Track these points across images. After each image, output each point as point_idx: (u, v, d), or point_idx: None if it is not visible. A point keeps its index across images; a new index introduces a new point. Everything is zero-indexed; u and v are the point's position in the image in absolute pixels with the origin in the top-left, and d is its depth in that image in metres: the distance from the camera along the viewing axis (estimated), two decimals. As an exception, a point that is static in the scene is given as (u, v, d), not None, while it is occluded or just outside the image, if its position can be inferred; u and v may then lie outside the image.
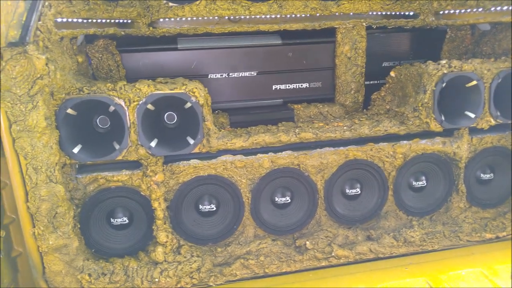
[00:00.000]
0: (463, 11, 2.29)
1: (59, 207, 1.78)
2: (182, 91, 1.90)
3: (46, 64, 1.63)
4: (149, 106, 1.88)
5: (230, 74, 2.37)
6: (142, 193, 2.00)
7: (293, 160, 2.09)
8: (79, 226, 1.90)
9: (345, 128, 2.12)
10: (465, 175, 2.26)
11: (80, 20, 1.84)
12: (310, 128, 2.10)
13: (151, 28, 2.14)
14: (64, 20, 1.75)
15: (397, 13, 2.37)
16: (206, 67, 2.34)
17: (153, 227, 2.01)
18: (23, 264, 1.83)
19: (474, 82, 2.10)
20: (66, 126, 1.80)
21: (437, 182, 2.28)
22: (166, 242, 2.00)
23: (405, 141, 2.18)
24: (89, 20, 1.89)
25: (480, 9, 2.24)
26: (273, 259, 2.05)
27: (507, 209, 2.35)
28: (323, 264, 2.05)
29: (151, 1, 2.09)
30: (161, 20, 2.16)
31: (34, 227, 1.76)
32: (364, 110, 2.47)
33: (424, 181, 2.28)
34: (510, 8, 2.15)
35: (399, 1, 2.34)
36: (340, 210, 2.21)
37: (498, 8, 2.19)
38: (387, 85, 2.42)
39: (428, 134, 2.20)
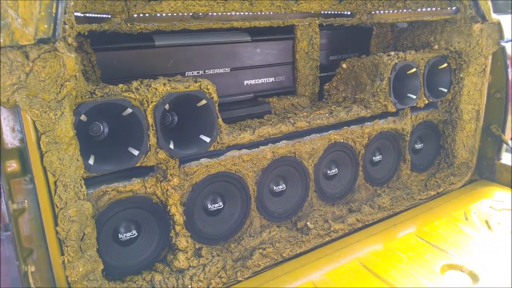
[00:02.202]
0: (392, 11, 2.74)
1: (87, 227, 1.56)
2: (197, 88, 1.85)
3: (76, 63, 1.42)
4: (166, 106, 1.78)
5: (206, 71, 2.35)
6: (153, 200, 1.87)
7: (290, 148, 2.21)
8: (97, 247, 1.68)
9: (327, 115, 2.34)
10: (408, 146, 2.72)
11: (86, 15, 1.63)
12: (301, 117, 2.26)
13: (128, 24, 2.00)
14: (78, 14, 1.53)
15: (341, 12, 2.70)
16: (183, 65, 2.28)
17: (171, 234, 1.90)
18: (42, 303, 1.54)
19: (414, 69, 2.56)
20: (79, 135, 1.58)
21: (389, 155, 2.69)
22: (187, 247, 1.92)
23: (368, 123, 2.51)
24: (91, 15, 1.68)
25: (405, 10, 2.73)
26: (285, 244, 2.16)
27: (434, 170, 2.93)
28: (327, 239, 2.24)
29: (128, -5, 1.95)
30: (135, 15, 2.03)
31: (63, 254, 1.50)
32: (323, 99, 2.75)
33: (380, 156, 2.67)
34: (429, 9, 2.67)
35: (342, 2, 2.67)
36: (326, 190, 2.43)
37: (419, 10, 2.70)
38: (338, 76, 2.73)
39: (383, 115, 2.58)
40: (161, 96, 1.74)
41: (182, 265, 1.89)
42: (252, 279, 1.96)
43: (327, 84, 2.78)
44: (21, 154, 1.39)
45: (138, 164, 1.74)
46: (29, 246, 1.47)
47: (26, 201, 1.38)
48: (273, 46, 2.57)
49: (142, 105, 1.71)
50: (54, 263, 1.49)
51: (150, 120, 1.73)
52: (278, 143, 2.19)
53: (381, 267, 1.98)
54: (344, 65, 2.69)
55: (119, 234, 1.84)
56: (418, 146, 2.86)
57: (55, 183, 1.44)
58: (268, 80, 2.59)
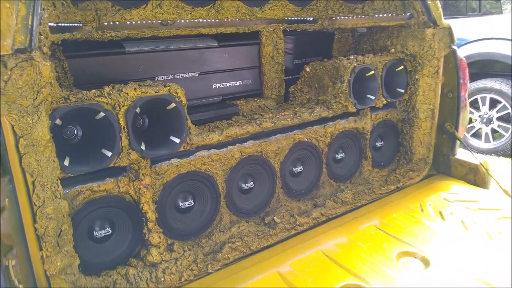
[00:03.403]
0: (351, 17, 2.92)
1: (64, 224, 1.66)
2: (166, 92, 1.96)
3: (51, 71, 1.52)
4: (137, 110, 1.89)
5: (176, 75, 2.47)
6: (126, 199, 1.98)
7: (257, 148, 2.35)
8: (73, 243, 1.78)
9: (291, 116, 2.49)
10: (369, 144, 2.90)
11: (59, 25, 1.73)
12: (267, 118, 2.40)
13: (99, 32, 2.11)
14: (51, 24, 1.63)
15: (303, 18, 2.86)
16: (153, 70, 2.39)
17: (144, 230, 2.01)
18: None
19: (372, 72, 2.75)
20: (54, 138, 1.67)
21: (352, 152, 2.86)
22: (159, 242, 2.03)
23: (330, 122, 2.68)
24: (63, 24, 1.78)
25: (363, 16, 2.91)
26: (253, 238, 2.29)
27: (395, 166, 3.12)
28: (293, 232, 2.38)
29: (99, 4, 2.06)
30: (106, 23, 2.14)
31: (41, 250, 1.59)
32: (289, 101, 2.90)
33: (343, 154, 2.84)
34: (385, 15, 2.87)
35: (305, 9, 2.84)
36: (292, 186, 2.58)
37: (376, 16, 2.89)
38: (302, 79, 2.89)
39: (344, 116, 2.75)
40: (132, 100, 1.86)
41: (155, 259, 2.00)
42: (222, 271, 2.08)
43: (292, 86, 2.94)
44: (0, 156, 1.48)
45: (112, 165, 1.84)
46: (9, 242, 1.56)
47: (6, 200, 1.47)
48: (240, 51, 2.70)
49: (114, 109, 1.82)
50: (33, 258, 1.58)
51: (122, 123, 1.84)
52: (245, 143, 2.32)
53: (343, 256, 2.13)
54: (307, 69, 2.85)
55: (94, 232, 1.94)
56: (379, 144, 3.05)
57: (33, 183, 1.53)
58: (236, 83, 2.73)
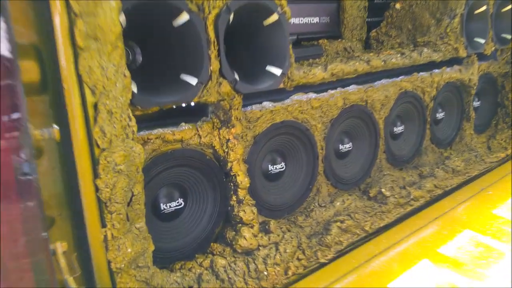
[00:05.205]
0: None
1: (136, 184, 1.01)
2: (266, -2, 1.33)
3: None
4: (230, 17, 1.25)
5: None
6: (207, 156, 1.34)
7: (362, 95, 1.74)
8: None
9: (399, 56, 1.89)
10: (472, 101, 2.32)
11: None
12: (373, 56, 1.79)
13: None
14: None
15: None
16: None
17: (231, 201, 1.38)
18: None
19: (484, 8, 2.16)
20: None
21: (452, 111, 2.28)
22: (253, 219, 1.40)
23: (437, 70, 2.09)
24: None
25: None
26: (363, 215, 1.68)
27: (492, 131, 2.55)
28: (408, 209, 1.77)
29: None
30: None
31: (104, 226, 0.94)
32: (373, 48, 2.30)
33: (443, 112, 2.25)
34: None
35: None
36: (394, 151, 1.98)
37: None
38: (388, 20, 2.29)
39: (449, 63, 2.16)
40: (224, 2, 1.22)
41: (251, 244, 1.36)
42: (338, 260, 1.46)
43: (374, 30, 2.33)
44: (40, 54, 0.83)
45: (196, 99, 1.20)
46: (49, 213, 0.91)
47: (54, 126, 0.82)
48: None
49: (201, 12, 1.18)
50: (92, 240, 0.92)
51: (211, 35, 1.20)
52: (348, 88, 1.72)
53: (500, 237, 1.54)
54: (397, 6, 2.25)
55: (161, 204, 1.30)
56: (476, 103, 2.48)
57: (95, 105, 0.88)
58: (312, 20, 2.10)
